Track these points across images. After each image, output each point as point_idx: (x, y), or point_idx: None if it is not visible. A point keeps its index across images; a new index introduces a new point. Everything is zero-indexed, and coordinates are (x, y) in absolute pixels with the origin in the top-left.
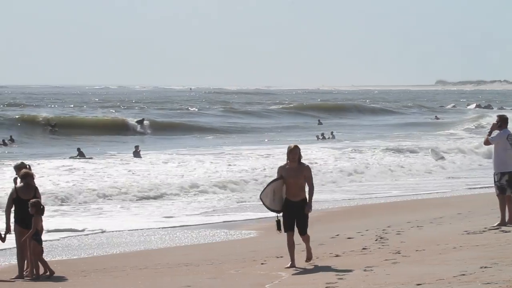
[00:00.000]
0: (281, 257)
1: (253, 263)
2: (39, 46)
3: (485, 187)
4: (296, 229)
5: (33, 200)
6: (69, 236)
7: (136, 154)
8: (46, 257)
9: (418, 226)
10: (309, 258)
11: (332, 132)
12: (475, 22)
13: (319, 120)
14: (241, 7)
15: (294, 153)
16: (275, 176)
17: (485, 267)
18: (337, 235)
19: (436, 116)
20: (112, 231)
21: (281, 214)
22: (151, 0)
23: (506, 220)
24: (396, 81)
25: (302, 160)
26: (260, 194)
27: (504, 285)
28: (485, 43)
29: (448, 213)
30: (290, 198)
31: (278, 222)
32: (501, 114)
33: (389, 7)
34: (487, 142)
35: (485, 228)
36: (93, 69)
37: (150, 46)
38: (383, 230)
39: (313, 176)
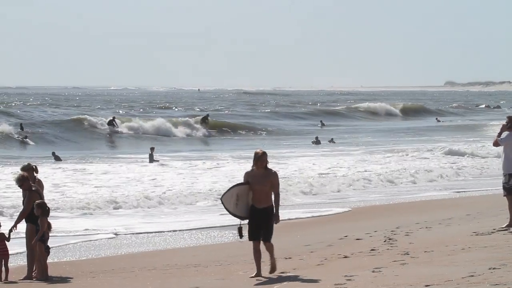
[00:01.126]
0: (290, 258)
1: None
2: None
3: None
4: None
5: (39, 201)
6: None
7: (151, 158)
8: (56, 258)
9: (426, 227)
10: (273, 269)
11: (332, 139)
12: (484, 23)
13: (321, 121)
14: (239, 7)
15: (262, 160)
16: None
17: (493, 268)
18: (346, 236)
19: (437, 119)
20: (125, 234)
21: (245, 221)
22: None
23: None
24: (405, 82)
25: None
26: (221, 197)
27: None
28: (494, 44)
29: (457, 214)
30: (256, 205)
31: (240, 229)
32: (511, 115)
33: (398, 7)
34: (496, 144)
35: (494, 229)
36: (95, 70)
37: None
38: (392, 231)
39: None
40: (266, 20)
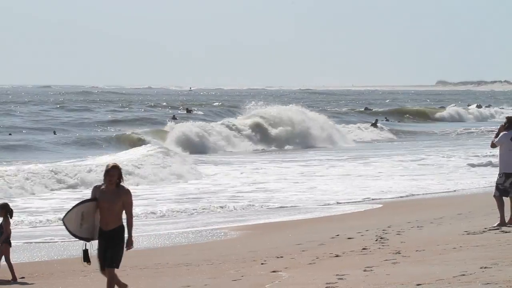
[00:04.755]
0: (281, 257)
1: (253, 263)
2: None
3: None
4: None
5: (2, 202)
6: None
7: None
8: (46, 256)
9: (418, 227)
10: None
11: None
12: (476, 22)
13: (376, 120)
14: (237, 7)
15: (111, 175)
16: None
17: (485, 267)
18: (337, 235)
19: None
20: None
21: (90, 242)
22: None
23: (506, 221)
24: (396, 81)
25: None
26: (63, 217)
27: (504, 285)
28: (485, 44)
29: (448, 214)
30: (103, 227)
31: (85, 252)
32: (510, 116)
33: (389, 6)
34: (493, 145)
35: (485, 228)
36: (98, 70)
37: (153, 47)
38: (383, 230)
39: None
40: (258, 19)
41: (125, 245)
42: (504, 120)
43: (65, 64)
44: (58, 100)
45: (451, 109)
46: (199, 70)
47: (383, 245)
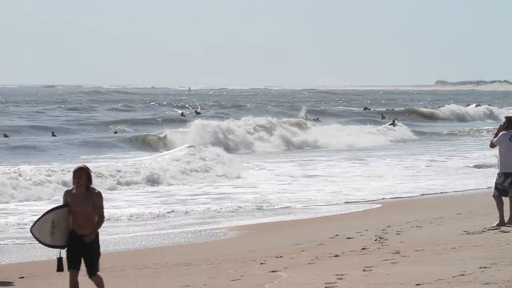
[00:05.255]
0: (281, 257)
1: (252, 263)
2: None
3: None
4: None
5: None
6: None
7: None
8: (46, 256)
9: (417, 226)
10: None
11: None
12: (475, 22)
13: (394, 121)
14: (237, 7)
15: (78, 176)
16: None
17: (484, 267)
18: (337, 235)
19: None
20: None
21: (65, 250)
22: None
23: (506, 221)
24: (395, 81)
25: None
26: (31, 228)
27: (504, 285)
28: (485, 43)
29: (448, 213)
30: (76, 230)
31: (60, 260)
32: (508, 115)
33: (388, 6)
34: (492, 145)
35: (485, 228)
36: (98, 70)
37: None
38: (383, 230)
39: None
40: (258, 19)
41: (87, 238)
42: (503, 120)
43: (65, 64)
44: (76, 100)
45: (452, 108)
46: (199, 70)
47: (382, 245)
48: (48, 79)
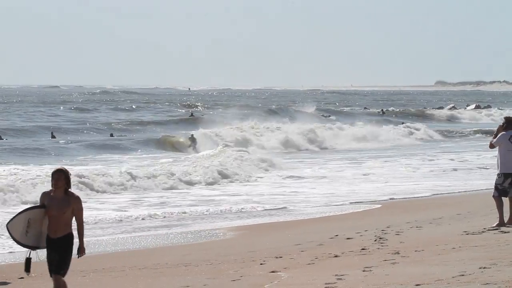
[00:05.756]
0: (280, 257)
1: (252, 263)
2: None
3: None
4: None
5: None
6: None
7: None
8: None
9: (417, 227)
10: None
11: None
12: (475, 22)
13: (382, 109)
14: (238, 7)
15: (56, 179)
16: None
17: (484, 268)
18: (336, 235)
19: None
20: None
21: (35, 251)
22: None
23: (505, 221)
24: (395, 81)
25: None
26: (7, 223)
27: (503, 286)
28: (484, 44)
29: (448, 214)
30: (51, 234)
31: (28, 260)
32: (507, 116)
33: (388, 6)
34: (491, 146)
35: (484, 228)
36: (98, 70)
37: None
38: (382, 230)
39: None
40: (258, 19)
41: (77, 252)
42: (503, 120)
43: (66, 64)
44: (90, 100)
45: (451, 109)
46: (200, 70)
47: (382, 245)
48: (51, 79)
